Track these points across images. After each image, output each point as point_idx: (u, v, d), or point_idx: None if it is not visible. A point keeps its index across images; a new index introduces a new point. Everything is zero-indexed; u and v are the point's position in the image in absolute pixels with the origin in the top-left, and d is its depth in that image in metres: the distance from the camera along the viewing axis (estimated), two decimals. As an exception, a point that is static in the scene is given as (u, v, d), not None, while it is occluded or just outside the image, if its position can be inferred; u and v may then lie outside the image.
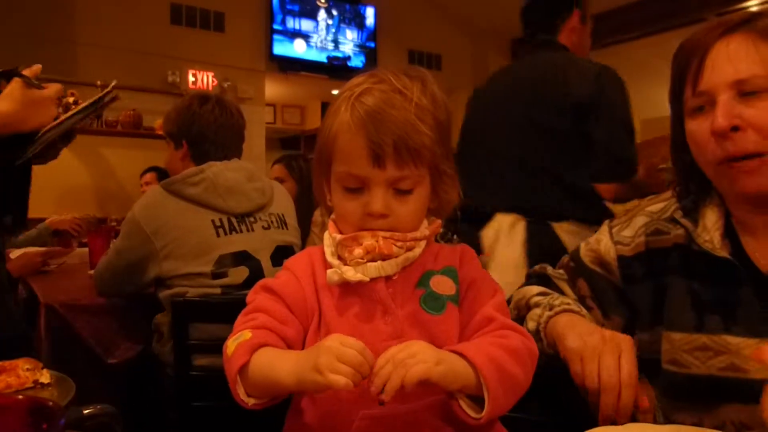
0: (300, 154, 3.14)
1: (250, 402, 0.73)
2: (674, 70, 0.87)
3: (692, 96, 0.83)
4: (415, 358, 0.65)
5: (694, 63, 0.82)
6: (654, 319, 0.91)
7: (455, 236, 3.57)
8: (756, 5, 5.36)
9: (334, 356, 0.64)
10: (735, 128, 0.77)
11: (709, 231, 0.86)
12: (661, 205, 0.96)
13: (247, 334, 0.74)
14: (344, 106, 0.78)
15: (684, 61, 0.85)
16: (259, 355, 0.72)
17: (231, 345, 0.75)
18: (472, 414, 0.70)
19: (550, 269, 1.06)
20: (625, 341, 0.81)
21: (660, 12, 5.74)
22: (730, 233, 0.87)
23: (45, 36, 4.47)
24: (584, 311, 0.93)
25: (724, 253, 0.84)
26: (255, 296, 0.82)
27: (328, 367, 0.63)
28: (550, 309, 0.91)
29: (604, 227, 1.02)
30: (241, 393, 0.73)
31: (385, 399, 0.63)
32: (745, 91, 0.78)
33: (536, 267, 1.09)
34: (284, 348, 0.76)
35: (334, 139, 0.78)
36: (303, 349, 0.78)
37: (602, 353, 0.79)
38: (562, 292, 1.01)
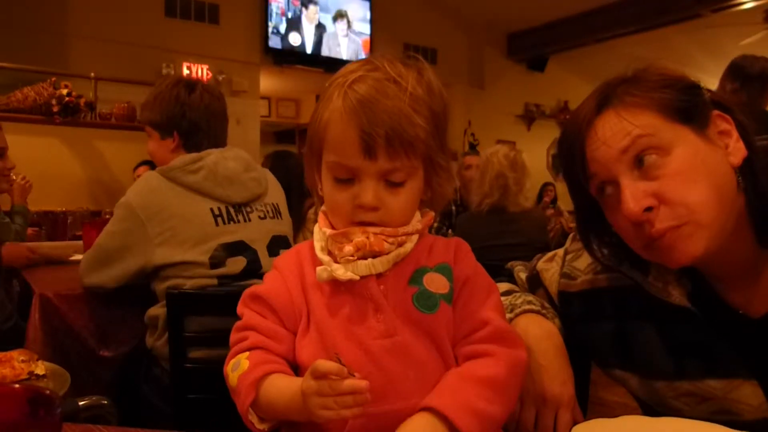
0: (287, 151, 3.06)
1: (265, 427, 0.74)
2: (561, 157, 0.82)
3: (588, 184, 0.79)
4: None
5: (578, 153, 0.78)
6: (617, 361, 0.88)
7: (450, 230, 3.57)
8: (751, 1, 5.39)
9: (315, 394, 0.64)
10: (648, 209, 0.72)
11: (663, 276, 0.81)
12: None
13: (245, 364, 0.74)
14: (336, 93, 0.76)
15: (567, 152, 0.80)
16: (266, 392, 0.72)
17: (232, 376, 0.75)
18: None
19: (517, 270, 1.04)
20: (566, 395, 0.79)
21: (656, 7, 5.76)
22: (689, 269, 0.79)
23: (38, 27, 4.44)
24: (547, 307, 0.91)
25: (682, 301, 0.80)
26: (244, 309, 0.81)
27: (317, 406, 0.64)
28: (511, 311, 0.89)
29: (561, 252, 0.98)
30: (255, 421, 0.74)
31: None
32: (639, 159, 0.73)
33: (508, 264, 1.07)
34: (281, 363, 0.76)
35: (325, 128, 0.76)
36: (295, 354, 0.78)
37: (541, 406, 0.79)
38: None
